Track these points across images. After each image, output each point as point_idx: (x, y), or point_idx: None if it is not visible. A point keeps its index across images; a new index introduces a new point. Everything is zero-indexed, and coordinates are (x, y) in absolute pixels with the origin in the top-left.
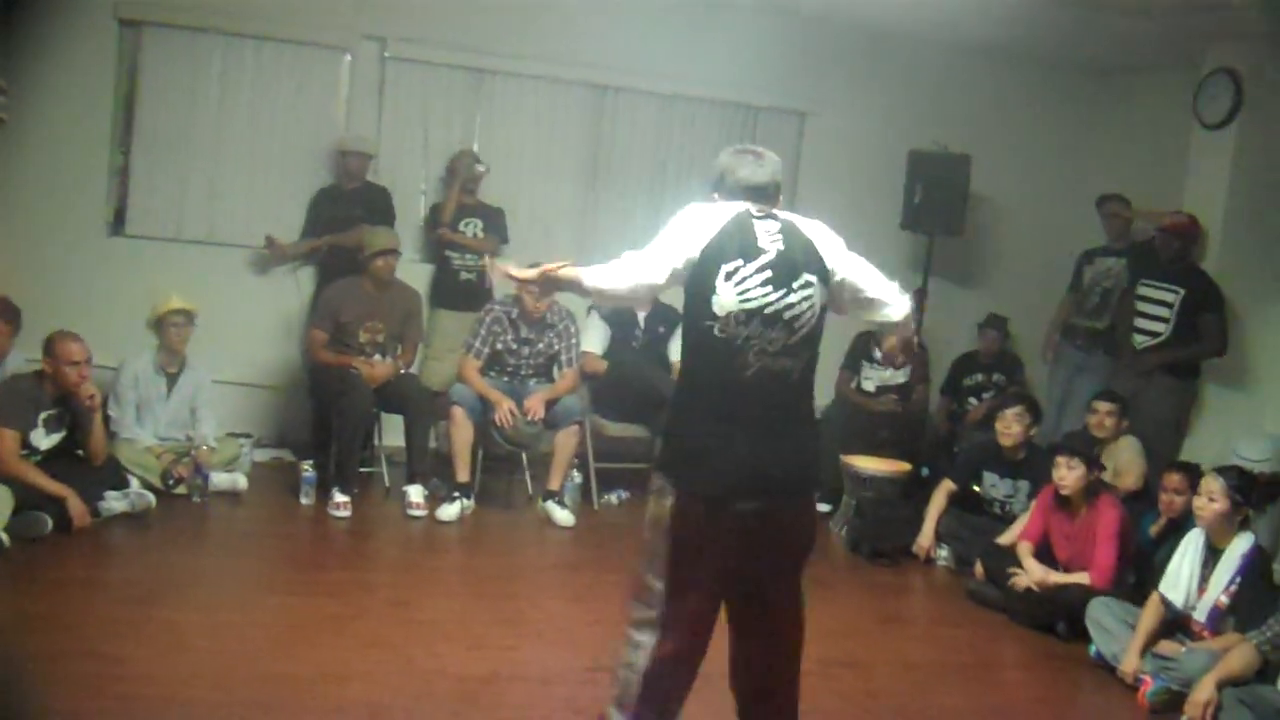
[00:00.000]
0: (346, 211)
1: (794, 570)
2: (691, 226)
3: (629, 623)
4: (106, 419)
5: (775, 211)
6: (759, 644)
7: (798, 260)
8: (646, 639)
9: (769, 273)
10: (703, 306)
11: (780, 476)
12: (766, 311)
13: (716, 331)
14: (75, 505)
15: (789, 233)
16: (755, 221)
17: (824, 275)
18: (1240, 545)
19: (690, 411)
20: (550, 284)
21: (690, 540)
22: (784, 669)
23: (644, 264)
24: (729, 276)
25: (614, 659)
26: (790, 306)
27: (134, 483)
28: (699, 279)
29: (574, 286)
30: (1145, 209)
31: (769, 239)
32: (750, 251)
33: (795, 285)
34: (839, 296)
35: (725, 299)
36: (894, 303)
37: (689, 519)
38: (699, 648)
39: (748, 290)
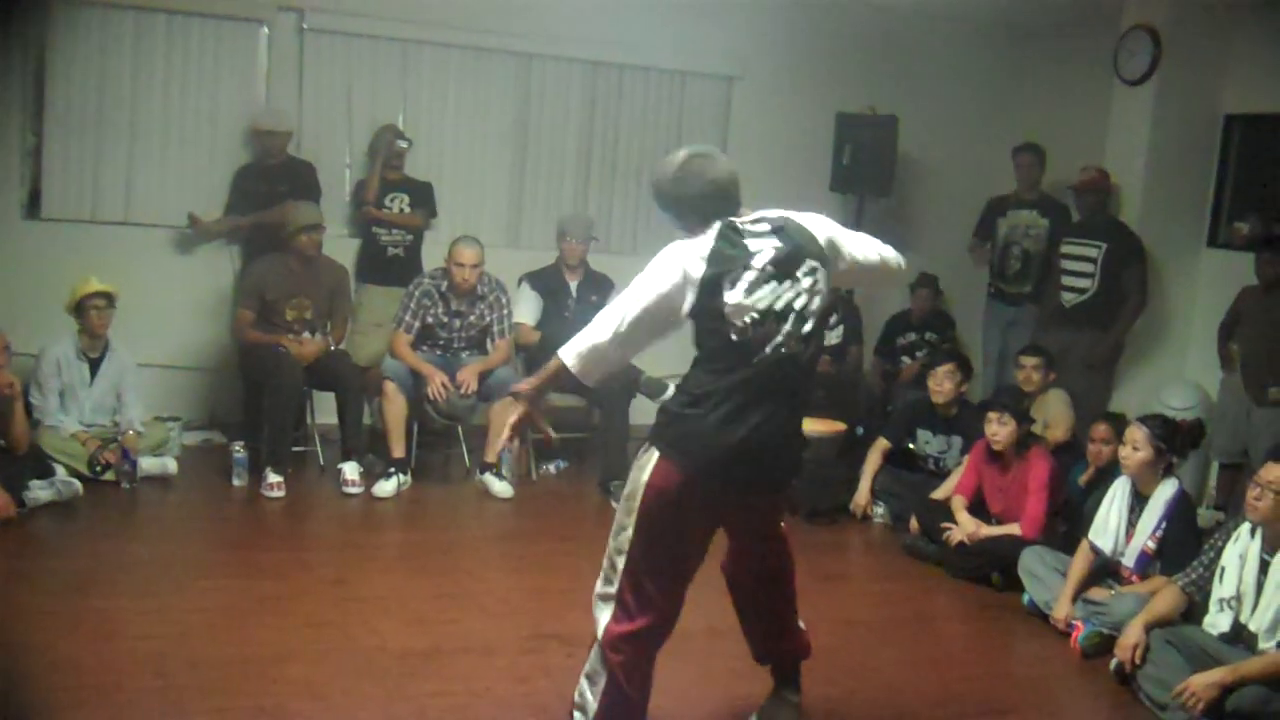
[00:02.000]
0: (270, 188)
1: (774, 521)
2: (672, 273)
3: (595, 599)
4: (29, 407)
5: (763, 214)
6: (759, 591)
7: (797, 250)
8: (604, 615)
9: (771, 268)
10: (717, 320)
11: (767, 469)
12: (778, 308)
13: (734, 336)
14: None
15: (779, 227)
16: (741, 228)
17: (823, 258)
18: (1165, 491)
19: (700, 396)
20: (538, 396)
21: (661, 509)
22: (782, 598)
23: (632, 335)
24: (734, 285)
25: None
26: (798, 296)
27: (60, 471)
28: (706, 301)
29: (563, 380)
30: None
31: (759, 239)
32: (746, 257)
33: (799, 274)
34: (845, 270)
35: (738, 307)
36: (894, 255)
37: (666, 485)
38: (657, 628)
39: (755, 293)
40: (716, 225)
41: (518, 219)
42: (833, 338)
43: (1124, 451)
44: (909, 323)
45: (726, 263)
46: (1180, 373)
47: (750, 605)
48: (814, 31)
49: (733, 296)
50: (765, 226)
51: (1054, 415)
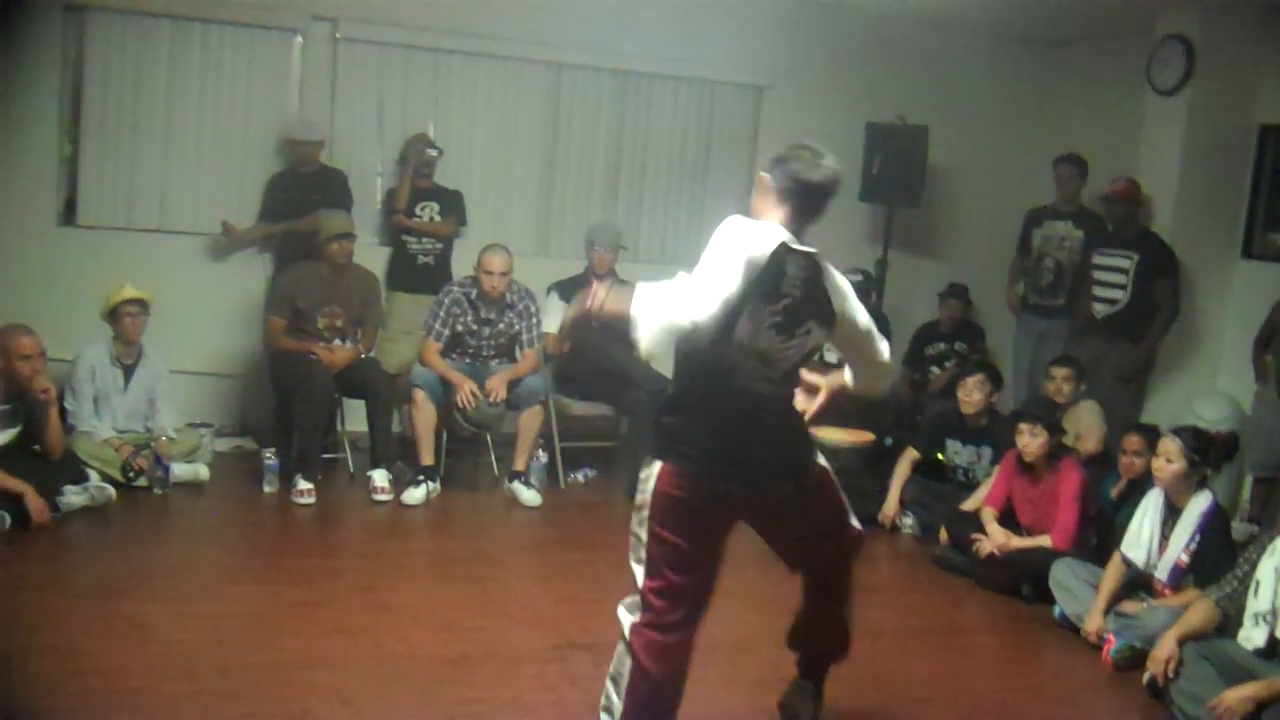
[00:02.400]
0: (303, 196)
1: (816, 516)
2: (743, 255)
3: (621, 608)
4: (63, 412)
5: (807, 248)
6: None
7: (808, 308)
8: (630, 617)
9: (780, 319)
10: (719, 332)
11: (764, 459)
12: (765, 352)
13: (719, 352)
14: (34, 501)
15: (809, 277)
16: (788, 259)
17: (827, 321)
18: (1199, 504)
19: (681, 405)
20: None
21: (670, 512)
22: (827, 594)
23: (704, 294)
24: (751, 316)
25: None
26: (784, 348)
27: (93, 476)
28: (730, 307)
29: (620, 316)
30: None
31: (791, 283)
32: (773, 294)
33: (797, 332)
34: (839, 335)
35: (741, 335)
36: (885, 348)
37: (671, 488)
38: (683, 623)
39: (758, 332)
40: (780, 237)
41: (546, 228)
42: None
43: (1157, 464)
44: (938, 333)
45: (763, 281)
46: (1213, 384)
47: (803, 594)
48: (844, 41)
49: (744, 324)
50: (803, 273)
51: (1085, 426)
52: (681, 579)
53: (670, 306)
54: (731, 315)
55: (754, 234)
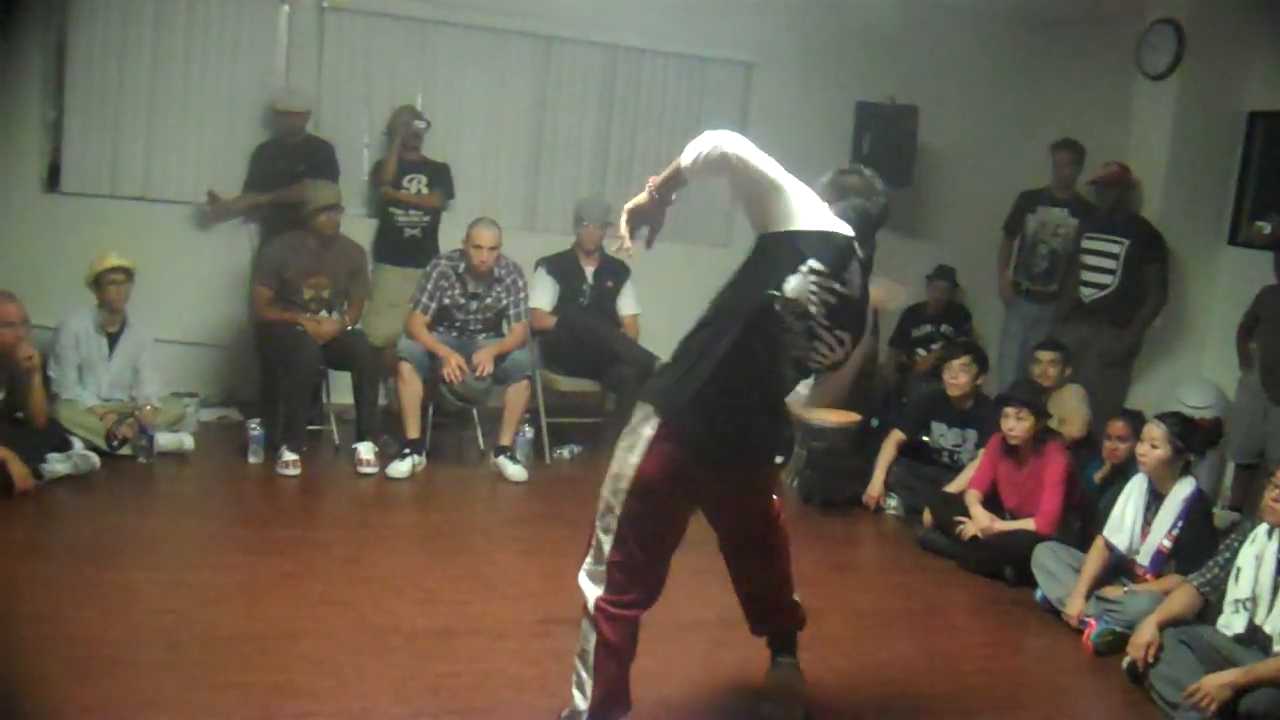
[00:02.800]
0: (289, 166)
1: (764, 502)
2: (813, 196)
3: (583, 575)
4: (47, 380)
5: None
6: (746, 565)
7: (846, 314)
8: (594, 590)
9: (833, 300)
10: (774, 277)
11: (756, 445)
12: (812, 327)
13: (776, 306)
14: (17, 468)
15: (861, 287)
16: (853, 255)
17: (859, 332)
18: (1182, 490)
19: (702, 364)
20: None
21: (648, 489)
22: (773, 574)
23: (767, 171)
24: (813, 272)
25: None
26: (820, 340)
27: (77, 444)
28: (783, 249)
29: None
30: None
31: (850, 276)
32: (837, 270)
33: (834, 329)
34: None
35: (798, 287)
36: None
37: (654, 466)
38: (645, 598)
39: (814, 297)
40: (847, 233)
41: (534, 202)
42: None
43: (1141, 449)
44: (925, 315)
45: (828, 248)
46: (1198, 371)
47: (744, 579)
48: (834, 19)
49: (802, 276)
50: (857, 271)
51: (1070, 411)
52: (646, 555)
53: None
54: (784, 251)
55: (825, 202)
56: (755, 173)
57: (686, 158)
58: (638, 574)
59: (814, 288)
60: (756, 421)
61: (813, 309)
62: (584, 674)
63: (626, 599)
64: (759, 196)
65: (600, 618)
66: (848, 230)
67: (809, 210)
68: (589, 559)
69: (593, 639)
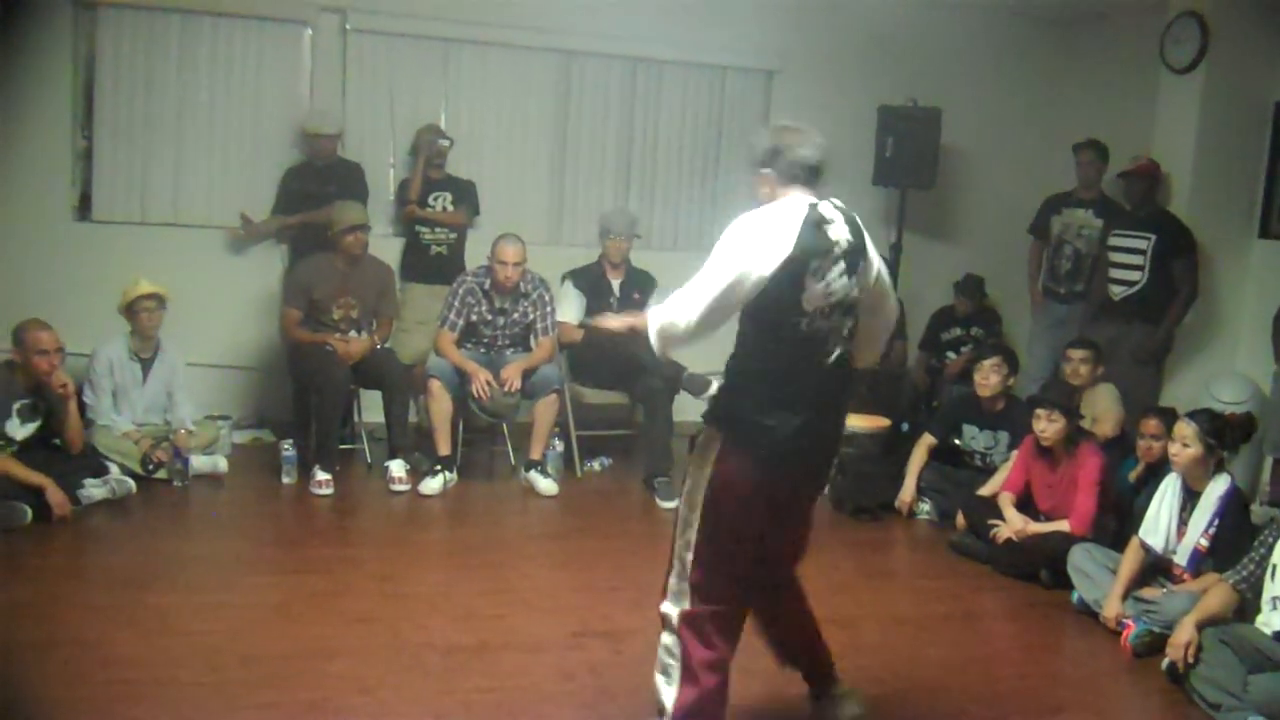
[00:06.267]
0: (319, 189)
1: (807, 527)
2: (758, 246)
3: (669, 594)
4: (82, 406)
5: (834, 202)
6: (784, 604)
7: (860, 248)
8: (680, 604)
9: (843, 263)
10: (790, 306)
11: (822, 458)
12: (846, 301)
13: (804, 327)
14: (54, 494)
15: (850, 223)
16: (823, 217)
17: (869, 263)
18: (1218, 487)
19: (760, 387)
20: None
21: (726, 506)
22: (806, 612)
23: (716, 308)
24: (815, 274)
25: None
26: (859, 292)
27: (113, 469)
28: (784, 283)
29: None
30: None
31: (837, 231)
32: (827, 248)
33: (859, 271)
34: (869, 293)
35: (814, 296)
36: (895, 301)
37: (732, 482)
38: (732, 614)
39: (831, 284)
40: (805, 208)
41: (559, 216)
42: None
43: (1173, 448)
44: (954, 318)
45: (814, 246)
46: (1231, 366)
47: (777, 620)
48: (854, 23)
49: (814, 286)
50: (839, 215)
51: (1102, 410)
52: (732, 564)
53: (671, 313)
54: (786, 283)
55: (767, 220)
56: (699, 300)
57: (652, 333)
58: (722, 587)
59: (824, 280)
60: (821, 423)
61: (836, 295)
62: (665, 698)
63: (713, 609)
64: (727, 297)
65: (687, 631)
66: (797, 211)
67: (755, 254)
68: (673, 577)
69: (678, 666)
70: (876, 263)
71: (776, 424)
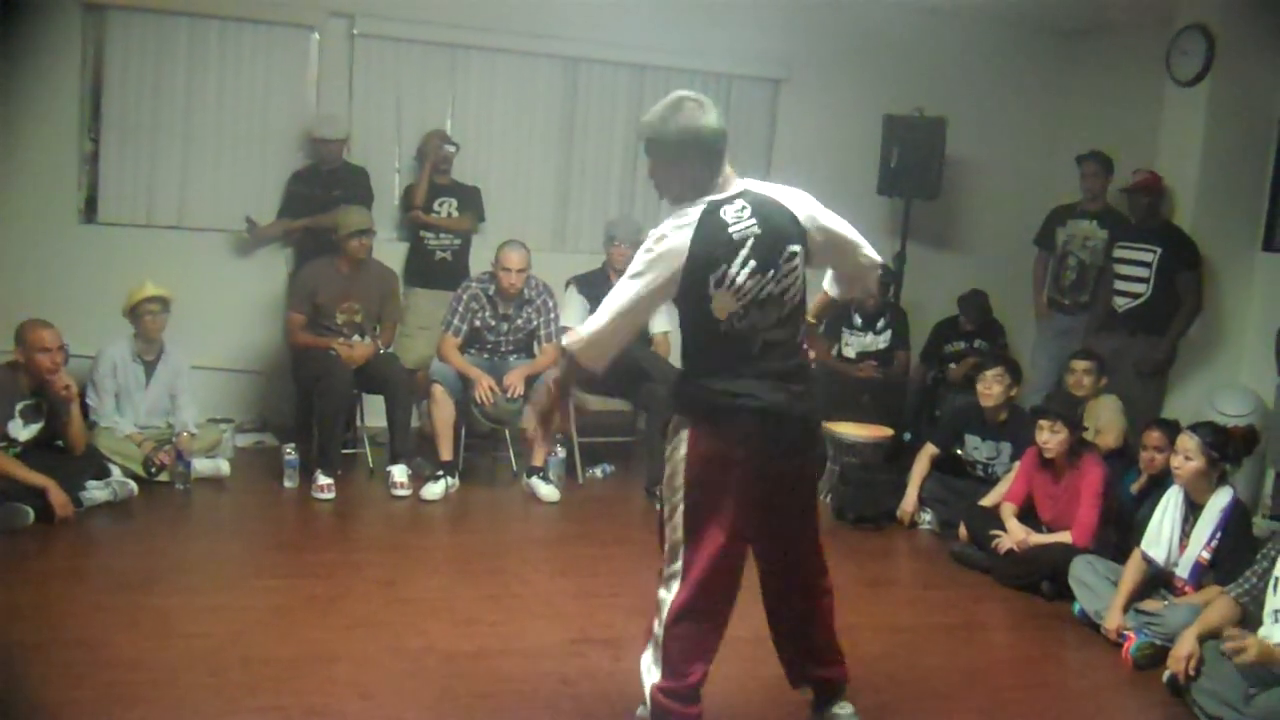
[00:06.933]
0: (325, 193)
1: (806, 521)
2: (661, 252)
3: (659, 583)
4: (85, 408)
5: (744, 188)
6: (788, 602)
7: (777, 234)
8: (669, 593)
9: (754, 262)
10: (702, 310)
11: (793, 433)
12: (761, 297)
13: (721, 329)
14: (57, 495)
15: (760, 208)
16: (722, 213)
17: (802, 237)
18: (1220, 500)
19: (703, 373)
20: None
21: (703, 478)
22: (814, 615)
23: (629, 318)
24: (719, 284)
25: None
26: (779, 281)
27: (115, 471)
28: (689, 290)
29: (572, 375)
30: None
31: (742, 227)
32: (729, 250)
33: (780, 260)
34: (820, 250)
35: (722, 302)
36: (870, 249)
37: (703, 456)
38: (718, 602)
39: (740, 287)
40: (701, 205)
41: (564, 223)
42: (879, 342)
43: (1175, 461)
44: (958, 330)
45: (711, 252)
46: (1234, 379)
47: (783, 619)
48: (860, 33)
49: (718, 289)
50: (746, 209)
51: (1105, 421)
52: (716, 544)
53: (589, 324)
54: (692, 290)
55: (666, 232)
56: (618, 316)
57: (575, 349)
58: (710, 573)
59: (730, 285)
60: (778, 397)
61: (748, 295)
62: (646, 688)
63: (696, 599)
64: (649, 298)
65: (672, 627)
66: (688, 219)
67: (661, 266)
68: (665, 563)
69: (659, 661)
70: (831, 227)
71: (730, 403)
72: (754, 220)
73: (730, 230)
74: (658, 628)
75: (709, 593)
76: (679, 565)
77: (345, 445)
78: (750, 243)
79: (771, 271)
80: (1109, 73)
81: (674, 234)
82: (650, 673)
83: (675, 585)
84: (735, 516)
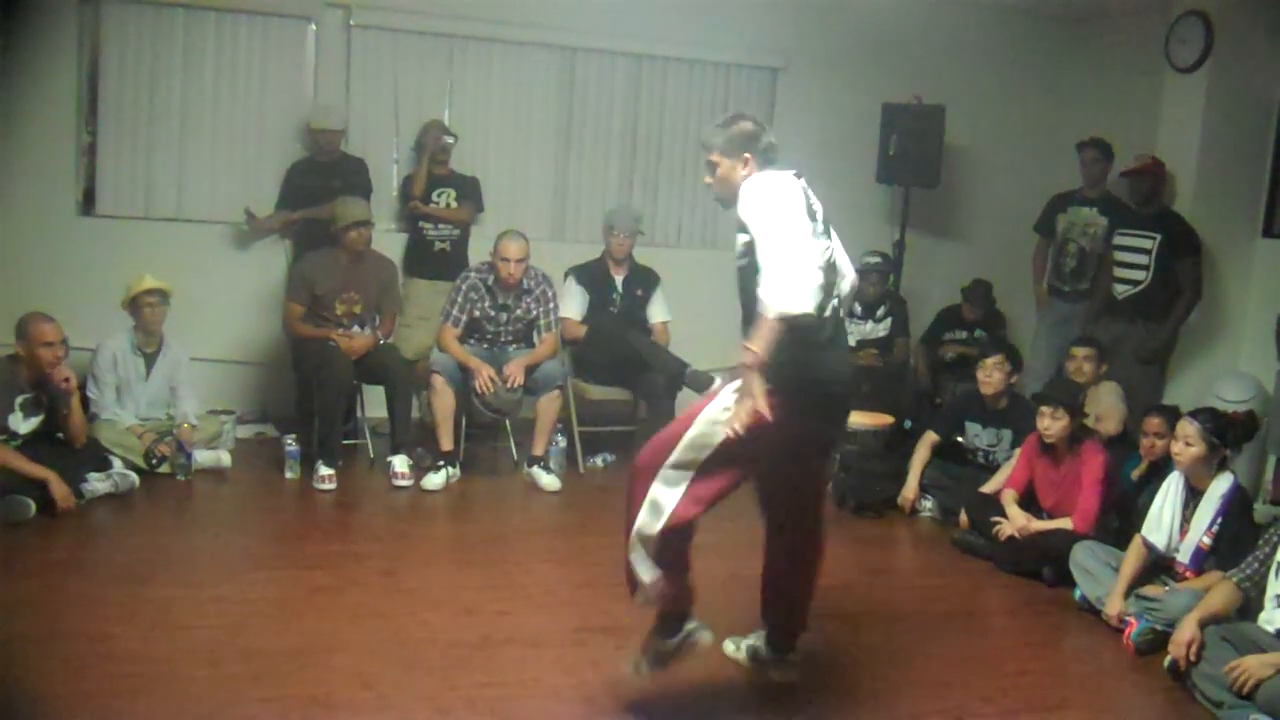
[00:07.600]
0: (323, 184)
1: (813, 488)
2: (794, 194)
3: (664, 472)
4: (86, 401)
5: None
6: (784, 558)
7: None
8: (673, 498)
9: (822, 226)
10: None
11: (842, 395)
12: (831, 259)
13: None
14: (58, 488)
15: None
16: (804, 187)
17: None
18: (1220, 486)
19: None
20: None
21: (760, 430)
22: (800, 574)
23: (809, 250)
24: (813, 235)
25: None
26: (834, 255)
27: (116, 463)
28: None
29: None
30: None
31: (814, 199)
32: (813, 213)
33: (832, 234)
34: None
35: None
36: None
37: (788, 408)
38: (696, 519)
39: (819, 243)
40: (792, 175)
41: (562, 213)
42: (880, 330)
43: (1176, 447)
44: (960, 320)
45: (810, 211)
46: (1235, 365)
47: (773, 564)
48: (858, 21)
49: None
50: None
51: (1105, 408)
52: (726, 478)
53: (792, 275)
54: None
55: (785, 177)
56: (797, 247)
57: (796, 305)
58: (708, 493)
59: (816, 239)
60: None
61: (826, 255)
62: (645, 577)
63: (694, 514)
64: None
65: (671, 537)
66: (790, 174)
67: (799, 203)
68: (673, 460)
69: (661, 564)
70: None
71: (823, 360)
72: (815, 199)
73: (810, 199)
74: (652, 526)
75: (709, 506)
76: (690, 475)
77: (346, 436)
78: (820, 213)
79: (831, 242)
80: (1108, 60)
81: (791, 184)
82: (645, 563)
83: (679, 493)
84: (764, 462)
